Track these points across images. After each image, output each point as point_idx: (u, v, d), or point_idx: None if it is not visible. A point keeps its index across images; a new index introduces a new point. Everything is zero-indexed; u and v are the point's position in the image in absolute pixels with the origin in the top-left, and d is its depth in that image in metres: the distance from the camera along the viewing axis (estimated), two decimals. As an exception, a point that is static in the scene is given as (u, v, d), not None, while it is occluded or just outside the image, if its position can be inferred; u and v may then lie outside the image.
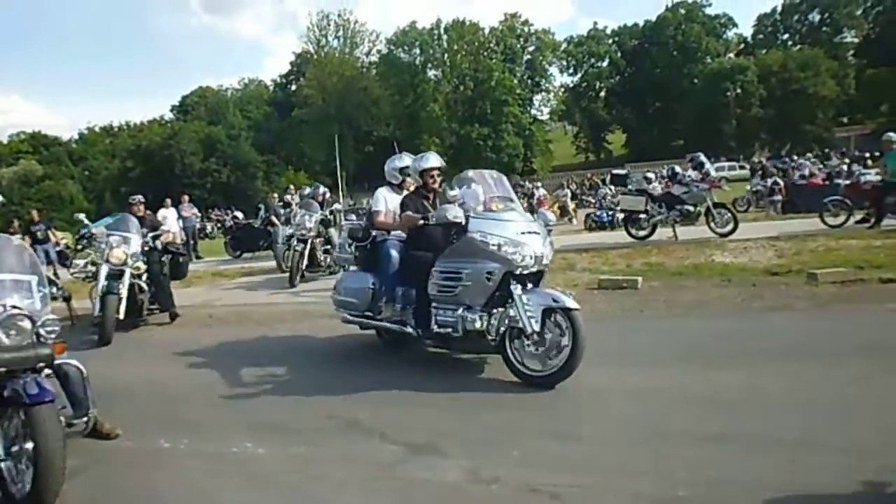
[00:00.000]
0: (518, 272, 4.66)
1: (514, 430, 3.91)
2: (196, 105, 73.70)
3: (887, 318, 6.00)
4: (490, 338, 4.75)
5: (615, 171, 18.62)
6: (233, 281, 11.77)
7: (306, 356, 6.13)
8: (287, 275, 10.56)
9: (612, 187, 21.24)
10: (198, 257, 17.29)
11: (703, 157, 12.33)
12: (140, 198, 8.64)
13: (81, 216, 9.08)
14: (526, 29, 65.97)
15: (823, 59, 55.64)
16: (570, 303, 4.51)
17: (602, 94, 68.68)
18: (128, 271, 7.50)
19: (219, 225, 34.25)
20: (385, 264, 5.53)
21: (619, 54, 66.23)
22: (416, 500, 3.24)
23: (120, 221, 8.16)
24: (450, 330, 4.86)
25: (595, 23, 72.18)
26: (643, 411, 4.03)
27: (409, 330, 5.24)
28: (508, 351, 4.71)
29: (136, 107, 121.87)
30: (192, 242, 17.48)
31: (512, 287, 4.63)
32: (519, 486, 3.16)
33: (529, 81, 66.56)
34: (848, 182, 13.71)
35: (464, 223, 4.85)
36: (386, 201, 5.96)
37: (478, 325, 4.70)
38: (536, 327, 4.50)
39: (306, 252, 10.46)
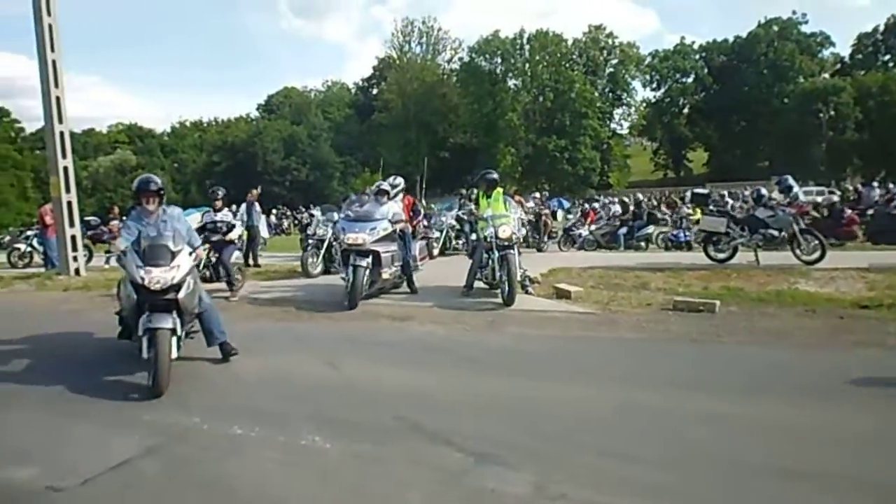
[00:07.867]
0: None
1: (576, 445, 3.86)
2: (281, 105, 76.33)
3: None
4: None
5: (696, 191, 18.09)
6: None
7: (371, 354, 6.23)
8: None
9: (691, 206, 20.58)
10: (254, 264, 14.06)
11: (791, 181, 11.84)
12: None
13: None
14: (610, 41, 65.18)
15: (928, 83, 52.56)
16: None
17: (685, 110, 66.96)
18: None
19: (296, 222, 35.18)
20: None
21: (705, 70, 64.48)
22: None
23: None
24: None
25: (682, 38, 70.63)
26: (711, 438, 3.89)
27: None
28: None
29: (224, 103, 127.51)
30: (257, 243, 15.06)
31: None
32: (584, 505, 3.10)
33: (611, 95, 65.72)
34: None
35: None
36: None
37: None
38: None
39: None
